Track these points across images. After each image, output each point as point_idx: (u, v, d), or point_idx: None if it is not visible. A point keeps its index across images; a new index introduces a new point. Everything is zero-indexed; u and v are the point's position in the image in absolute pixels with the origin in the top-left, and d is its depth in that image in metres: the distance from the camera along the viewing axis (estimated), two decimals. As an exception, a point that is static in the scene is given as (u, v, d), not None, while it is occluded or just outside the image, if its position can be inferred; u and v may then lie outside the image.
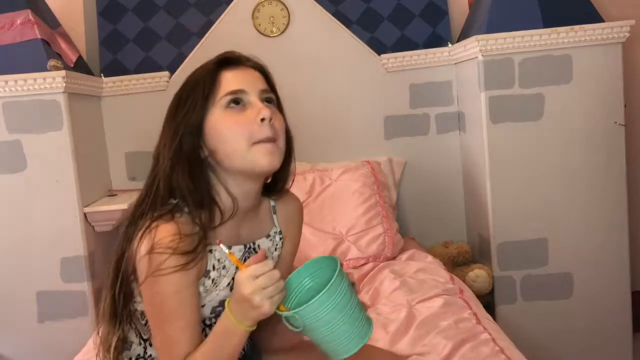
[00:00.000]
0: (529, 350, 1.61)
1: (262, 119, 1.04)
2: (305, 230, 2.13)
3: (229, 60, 1.11)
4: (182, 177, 1.05)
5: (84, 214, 2.10)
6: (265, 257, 0.99)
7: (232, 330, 0.99)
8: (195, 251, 1.03)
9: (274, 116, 1.07)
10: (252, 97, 1.06)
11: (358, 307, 1.00)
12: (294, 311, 0.96)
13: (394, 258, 2.18)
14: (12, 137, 2.02)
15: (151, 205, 1.07)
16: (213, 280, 1.09)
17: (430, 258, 2.12)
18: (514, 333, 1.75)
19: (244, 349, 1.20)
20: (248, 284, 0.94)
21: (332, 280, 0.96)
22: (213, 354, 1.01)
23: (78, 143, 2.09)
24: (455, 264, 2.30)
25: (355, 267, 2.11)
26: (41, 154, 2.04)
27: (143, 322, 1.13)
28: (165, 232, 1.01)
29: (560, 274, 2.21)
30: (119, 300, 1.10)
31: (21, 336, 2.10)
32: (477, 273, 2.17)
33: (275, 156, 1.06)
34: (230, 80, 1.07)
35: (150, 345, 1.15)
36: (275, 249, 1.22)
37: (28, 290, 2.08)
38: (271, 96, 1.12)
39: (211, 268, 1.09)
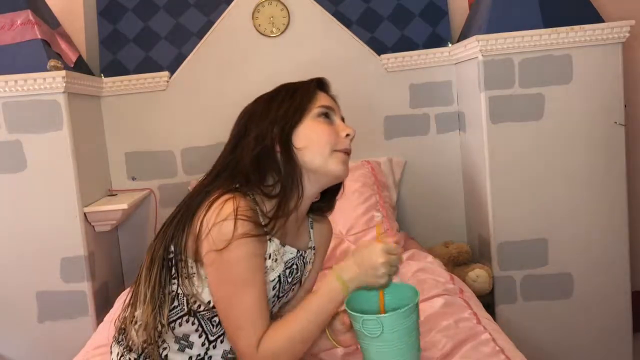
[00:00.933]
0: (529, 350, 1.61)
1: (347, 135, 1.20)
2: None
3: (324, 84, 1.30)
4: (272, 163, 1.15)
5: (84, 214, 2.10)
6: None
7: (336, 294, 1.06)
8: (267, 226, 1.10)
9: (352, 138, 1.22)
10: (337, 117, 1.23)
11: (419, 338, 1.08)
12: (387, 315, 1.02)
13: (394, 258, 2.17)
14: (12, 137, 2.02)
15: (222, 184, 1.13)
16: (266, 268, 1.13)
17: (430, 258, 2.11)
18: (514, 333, 1.75)
19: None
20: (382, 254, 1.05)
21: (417, 297, 1.06)
22: (309, 320, 1.06)
23: (78, 143, 2.09)
24: (456, 264, 2.30)
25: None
26: (41, 154, 2.04)
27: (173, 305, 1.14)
28: (242, 203, 1.07)
29: (560, 274, 2.21)
30: (163, 277, 1.12)
31: (21, 336, 2.10)
32: (477, 273, 2.17)
33: (348, 167, 1.21)
34: (324, 98, 1.24)
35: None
36: (309, 262, 1.29)
37: (28, 290, 2.08)
38: (344, 118, 1.27)
39: (267, 256, 1.13)
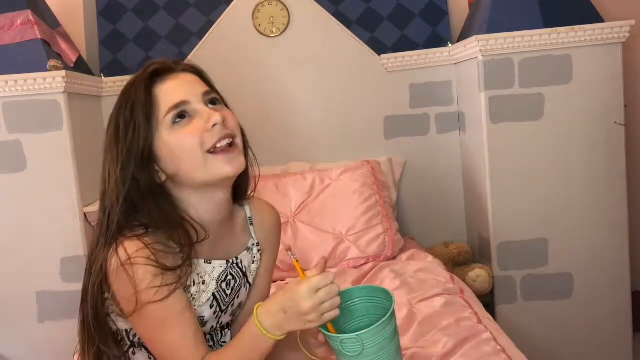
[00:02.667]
0: (529, 350, 1.61)
1: (214, 125, 0.98)
2: (306, 230, 2.14)
3: (159, 72, 1.03)
4: (146, 207, 0.99)
5: (84, 214, 2.10)
6: (325, 267, 0.97)
7: (261, 339, 0.96)
8: (180, 267, 0.99)
9: (225, 115, 1.01)
10: (197, 105, 1.00)
11: (399, 341, 1.02)
12: (365, 331, 0.94)
13: (394, 258, 2.18)
14: (12, 137, 2.02)
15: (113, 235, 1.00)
16: (192, 295, 1.06)
17: (430, 258, 2.12)
18: (514, 333, 1.75)
19: None
20: (309, 297, 0.91)
21: (392, 303, 0.98)
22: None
23: (78, 143, 2.09)
24: (456, 264, 2.30)
25: (355, 267, 2.11)
26: (41, 154, 2.03)
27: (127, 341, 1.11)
28: (133, 246, 0.96)
29: (560, 274, 2.21)
30: (94, 324, 1.07)
31: (21, 336, 2.10)
32: (477, 273, 2.17)
33: (237, 160, 1.01)
34: (167, 93, 1.00)
35: None
36: (253, 262, 1.19)
37: (28, 290, 2.08)
38: (215, 96, 1.06)
39: (191, 283, 1.05)
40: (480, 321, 1.57)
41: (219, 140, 0.99)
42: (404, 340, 1.51)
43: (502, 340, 1.45)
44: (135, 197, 0.99)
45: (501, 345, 1.41)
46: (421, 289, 1.82)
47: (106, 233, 1.01)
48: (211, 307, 1.09)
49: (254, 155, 1.12)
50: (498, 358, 1.35)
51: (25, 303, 2.08)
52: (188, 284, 1.04)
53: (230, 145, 1.01)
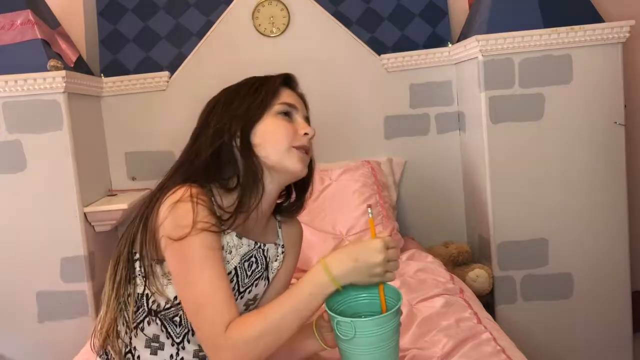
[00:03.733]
0: (529, 350, 1.61)
1: (306, 133, 1.18)
2: (306, 230, 2.12)
3: (290, 80, 1.26)
4: (231, 157, 1.14)
5: (84, 214, 2.10)
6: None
7: (321, 289, 0.98)
8: (225, 221, 1.08)
9: (312, 137, 1.21)
10: (299, 116, 1.21)
11: (398, 345, 1.03)
12: (361, 319, 0.98)
13: (393, 258, 2.18)
14: (12, 137, 2.02)
15: (180, 178, 1.12)
16: None
17: (430, 258, 2.12)
18: (514, 333, 1.75)
19: None
20: (382, 250, 0.99)
21: (399, 304, 1.01)
22: (288, 312, 0.98)
23: (78, 143, 2.09)
24: (456, 264, 2.30)
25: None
26: (41, 154, 2.04)
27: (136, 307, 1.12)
28: (195, 191, 1.05)
29: (560, 274, 2.21)
30: (125, 278, 1.11)
31: (21, 336, 2.10)
32: (477, 273, 2.17)
33: (305, 165, 1.17)
34: (288, 95, 1.22)
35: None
36: (276, 260, 1.26)
37: (28, 290, 2.08)
38: (308, 120, 1.26)
39: (221, 247, 1.10)
40: (480, 321, 1.57)
41: (303, 147, 1.17)
42: (404, 340, 1.51)
43: (502, 341, 1.45)
44: (227, 147, 1.14)
45: (501, 346, 1.41)
46: (421, 289, 1.82)
47: (177, 173, 1.14)
48: (231, 281, 1.13)
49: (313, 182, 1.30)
50: (498, 358, 1.35)
51: (25, 303, 2.09)
52: (222, 243, 1.10)
53: (307, 153, 1.19)
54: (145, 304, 1.11)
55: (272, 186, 1.18)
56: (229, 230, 1.12)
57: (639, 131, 2.54)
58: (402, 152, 2.50)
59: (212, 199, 1.10)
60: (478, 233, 2.37)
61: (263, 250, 1.21)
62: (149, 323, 1.12)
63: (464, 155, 2.47)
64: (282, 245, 1.28)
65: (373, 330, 0.97)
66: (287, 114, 1.19)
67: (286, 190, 1.27)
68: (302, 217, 2.14)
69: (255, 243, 1.19)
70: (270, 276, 1.25)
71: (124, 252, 1.12)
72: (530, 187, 2.17)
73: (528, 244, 2.19)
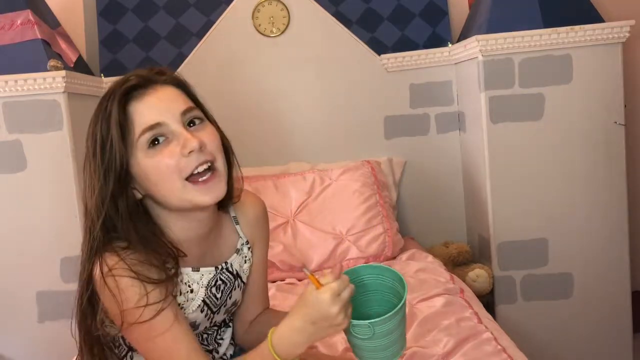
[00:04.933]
0: (529, 350, 1.61)
1: (190, 152, 0.94)
2: (306, 230, 2.14)
3: (136, 87, 0.97)
4: (124, 227, 0.97)
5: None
6: (339, 273, 0.93)
7: None
8: (164, 282, 0.97)
9: (204, 137, 0.97)
10: (173, 126, 0.95)
11: (399, 334, 1.02)
12: (381, 318, 0.94)
13: (394, 258, 2.18)
14: (12, 137, 2.02)
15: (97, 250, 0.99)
16: (181, 305, 1.04)
17: (430, 258, 2.12)
18: (514, 333, 1.75)
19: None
20: (335, 301, 0.89)
21: (405, 291, 0.98)
22: None
23: (78, 143, 2.09)
24: (455, 264, 2.30)
25: (355, 267, 2.10)
26: (41, 154, 2.04)
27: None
28: (114, 258, 0.95)
29: (560, 274, 2.21)
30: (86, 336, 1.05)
31: (21, 336, 2.10)
32: (477, 273, 2.17)
33: (216, 188, 0.97)
34: (142, 113, 0.94)
35: None
36: (245, 261, 1.18)
37: (28, 290, 2.08)
38: (195, 114, 1.00)
39: (177, 293, 1.03)
40: (480, 321, 1.57)
41: (197, 167, 0.95)
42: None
43: (503, 340, 1.45)
44: (114, 216, 0.96)
45: (501, 345, 1.41)
46: (421, 289, 1.82)
47: (89, 248, 1.00)
48: (202, 311, 1.09)
49: (238, 163, 1.09)
50: (498, 358, 1.35)
51: (25, 303, 2.08)
52: (174, 294, 1.01)
53: (210, 169, 0.97)
54: (123, 343, 1.09)
55: (196, 217, 1.02)
56: (181, 270, 1.02)
57: (639, 131, 2.54)
58: (402, 152, 2.50)
59: (139, 257, 0.97)
60: (478, 233, 2.37)
61: (226, 269, 1.13)
62: (132, 357, 1.10)
63: (464, 155, 2.47)
64: (246, 241, 1.17)
65: (388, 324, 0.97)
66: (156, 142, 0.94)
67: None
68: (302, 216, 2.17)
69: (216, 268, 1.10)
70: (245, 279, 1.19)
71: (80, 308, 1.06)
72: (530, 187, 2.17)
73: (528, 244, 2.19)
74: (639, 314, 2.39)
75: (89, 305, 1.01)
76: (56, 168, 2.04)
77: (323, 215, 2.18)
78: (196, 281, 1.06)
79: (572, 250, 2.19)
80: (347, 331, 0.99)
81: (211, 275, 1.08)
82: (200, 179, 0.95)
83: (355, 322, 0.96)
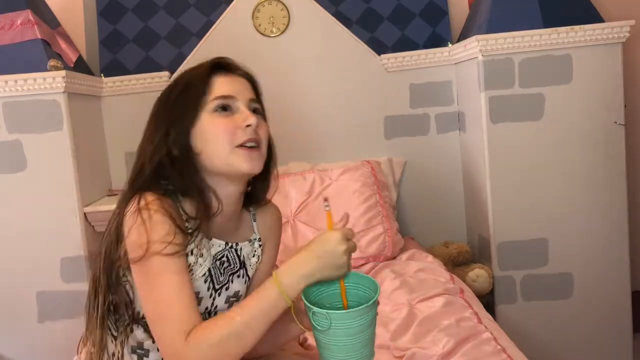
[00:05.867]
0: (529, 350, 1.61)
1: (248, 125, 1.08)
2: (306, 230, 2.14)
3: (221, 66, 1.14)
4: (175, 171, 1.08)
5: (84, 214, 2.10)
6: (347, 223, 1.03)
7: (273, 303, 0.97)
8: (190, 233, 1.05)
9: (259, 124, 1.11)
10: (240, 105, 1.11)
11: (374, 336, 1.02)
12: (336, 312, 0.97)
13: (394, 258, 2.18)
14: (12, 137, 2.02)
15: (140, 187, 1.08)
16: (190, 265, 1.08)
17: (430, 258, 2.12)
18: (514, 333, 1.75)
19: None
20: (343, 242, 0.98)
21: (376, 296, 0.99)
22: (247, 322, 0.96)
23: (78, 143, 2.09)
24: (455, 264, 2.30)
25: (355, 267, 2.10)
26: (41, 154, 2.04)
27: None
28: (153, 197, 1.03)
29: (560, 274, 2.21)
30: (106, 288, 1.09)
31: (21, 336, 2.10)
32: (477, 273, 2.17)
33: (256, 162, 1.09)
34: (221, 85, 1.11)
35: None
36: (254, 255, 1.23)
37: (28, 290, 2.08)
38: (258, 106, 1.16)
39: (189, 252, 1.08)
40: (480, 321, 1.57)
41: (247, 141, 1.08)
42: (405, 340, 1.51)
43: (503, 340, 1.45)
44: (167, 162, 1.08)
45: (501, 345, 1.41)
46: (421, 289, 1.82)
47: (131, 187, 1.09)
48: (205, 281, 1.12)
49: (277, 172, 1.21)
50: (498, 358, 1.35)
51: (25, 303, 2.09)
52: (190, 249, 1.08)
53: (255, 147, 1.09)
54: (125, 312, 1.10)
55: (229, 189, 1.12)
56: (196, 233, 1.09)
57: (639, 131, 2.54)
58: (402, 152, 2.50)
59: (177, 203, 1.07)
60: (478, 233, 2.37)
61: (236, 250, 1.19)
62: (132, 330, 1.11)
63: (464, 155, 2.47)
64: (259, 238, 1.24)
65: (348, 323, 0.97)
66: (224, 108, 1.09)
67: (253, 180, 1.19)
68: (302, 216, 2.16)
69: (226, 244, 1.17)
70: (250, 273, 1.23)
71: (100, 266, 1.11)
72: (530, 187, 2.17)
73: (528, 244, 2.19)
74: (639, 314, 2.39)
75: (115, 240, 1.08)
76: (56, 168, 2.04)
77: (323, 216, 2.18)
78: (207, 248, 1.12)
79: (572, 250, 2.20)
80: (311, 323, 1.00)
81: (220, 249, 1.15)
82: (246, 148, 1.08)
83: (315, 309, 0.97)
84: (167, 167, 1.08)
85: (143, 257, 0.99)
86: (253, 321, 0.97)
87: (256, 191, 1.20)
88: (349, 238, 1.00)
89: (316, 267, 0.98)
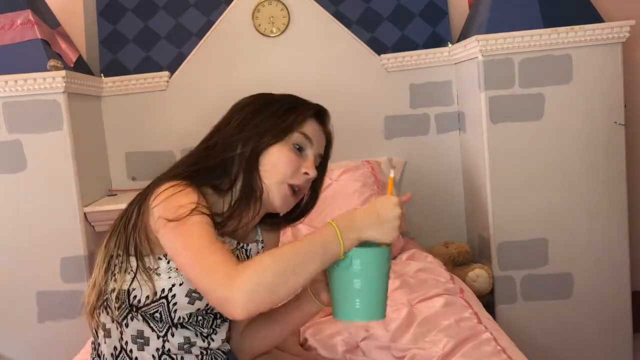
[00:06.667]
0: (529, 350, 1.61)
1: (306, 173, 1.16)
2: (306, 230, 2.13)
3: (322, 115, 1.24)
4: (236, 169, 1.15)
5: (84, 214, 2.10)
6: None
7: (331, 243, 1.00)
8: (217, 224, 1.07)
9: (315, 177, 1.19)
10: (311, 154, 1.19)
11: (383, 289, 1.03)
12: (360, 249, 1.00)
13: (394, 258, 2.18)
14: (12, 137, 2.02)
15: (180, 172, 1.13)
16: None
17: (430, 258, 2.12)
18: (514, 333, 1.75)
19: None
20: (397, 208, 1.02)
21: (379, 247, 1.02)
22: (299, 260, 0.96)
23: (78, 143, 2.09)
24: (456, 264, 2.30)
25: (355, 267, 2.10)
26: (41, 154, 2.04)
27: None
28: (186, 182, 1.08)
29: (560, 274, 2.21)
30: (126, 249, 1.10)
31: (21, 336, 2.10)
32: (477, 273, 2.17)
33: (289, 205, 1.17)
34: (311, 127, 1.19)
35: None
36: (257, 253, 1.26)
37: (28, 290, 2.08)
38: (321, 162, 1.24)
39: None
40: (480, 321, 1.57)
41: (297, 185, 1.16)
42: (405, 341, 1.51)
43: (503, 341, 1.45)
44: (230, 160, 1.15)
45: (501, 346, 1.41)
46: (421, 289, 1.82)
47: (181, 171, 1.15)
48: None
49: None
50: (498, 358, 1.35)
51: (25, 303, 2.09)
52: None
53: (297, 194, 1.18)
54: (127, 300, 1.11)
55: (258, 211, 1.17)
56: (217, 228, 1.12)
57: (639, 131, 2.54)
58: (402, 152, 2.50)
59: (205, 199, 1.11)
60: (478, 233, 2.37)
61: (246, 250, 1.22)
62: (131, 319, 1.12)
63: (464, 155, 2.47)
64: (262, 240, 1.28)
65: (370, 260, 1.00)
66: (300, 148, 1.18)
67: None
68: (302, 217, 2.16)
69: (238, 243, 1.20)
70: None
71: (114, 240, 1.13)
72: (530, 187, 2.17)
73: (528, 244, 2.19)
74: (639, 314, 2.39)
75: (137, 214, 1.10)
76: (56, 168, 2.04)
77: (323, 215, 2.17)
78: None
79: (572, 250, 2.20)
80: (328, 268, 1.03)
81: (232, 247, 1.18)
82: (293, 188, 1.16)
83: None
84: (235, 160, 1.14)
85: (178, 217, 1.01)
86: (306, 258, 0.97)
87: (280, 218, 1.26)
88: (402, 206, 1.04)
89: (371, 224, 1.01)
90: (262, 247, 1.28)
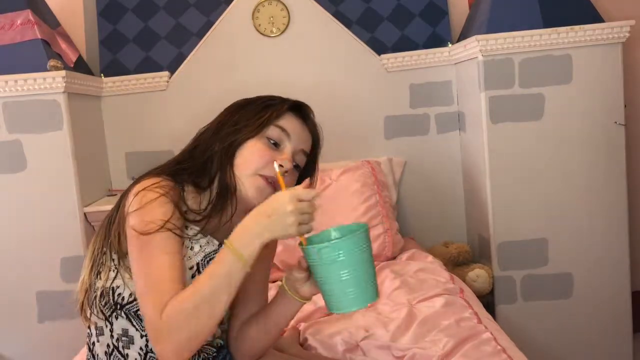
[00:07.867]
0: (529, 350, 1.61)
1: (280, 165, 1.11)
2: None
3: (300, 109, 1.21)
4: (216, 168, 1.15)
5: (84, 214, 2.10)
6: (310, 186, 1.06)
7: (233, 266, 0.99)
8: (188, 218, 1.09)
9: (290, 172, 1.16)
10: (289, 145, 1.17)
11: (371, 271, 1.04)
12: (321, 245, 1.01)
13: (394, 258, 2.18)
14: (12, 137, 2.02)
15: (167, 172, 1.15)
16: (185, 249, 1.11)
17: (430, 258, 2.12)
18: (514, 333, 1.75)
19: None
20: (291, 202, 0.99)
21: (358, 231, 1.02)
22: (212, 286, 0.98)
23: (78, 143, 2.09)
24: (456, 264, 2.30)
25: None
26: (41, 154, 2.04)
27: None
28: (165, 183, 1.09)
29: (560, 274, 2.21)
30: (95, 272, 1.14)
31: (21, 336, 2.10)
32: (477, 273, 2.17)
33: (263, 196, 1.11)
34: (289, 123, 1.18)
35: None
36: None
37: (28, 290, 2.08)
38: (302, 161, 1.22)
39: (187, 237, 1.11)
40: (480, 321, 1.57)
41: (271, 177, 1.13)
42: (405, 340, 1.51)
43: (503, 341, 1.45)
44: (217, 156, 1.15)
45: (501, 346, 1.41)
46: (421, 289, 1.82)
47: (165, 168, 1.17)
48: (193, 276, 1.12)
49: None
50: (498, 358, 1.35)
51: (25, 303, 2.09)
52: (187, 234, 1.12)
53: (271, 184, 1.14)
54: (111, 298, 1.12)
55: (240, 207, 1.16)
56: (193, 227, 1.13)
57: (639, 131, 2.54)
58: (402, 152, 2.50)
59: (182, 194, 1.13)
60: (478, 233, 2.37)
61: None
62: (116, 317, 1.13)
63: (464, 155, 2.47)
64: None
65: (339, 253, 1.00)
66: (276, 143, 1.16)
67: None
68: (302, 217, 2.16)
69: (220, 245, 1.17)
70: None
71: (98, 242, 1.17)
72: (530, 187, 2.17)
73: (528, 244, 2.19)
74: (639, 314, 2.39)
75: (116, 213, 1.13)
76: (56, 168, 2.04)
77: (323, 216, 2.17)
78: (200, 244, 1.14)
79: (572, 250, 2.20)
80: (314, 267, 1.03)
81: (213, 248, 1.16)
82: (267, 179, 1.14)
83: (320, 245, 1.01)
84: (213, 162, 1.15)
85: (146, 232, 1.03)
86: (217, 287, 0.99)
87: None
88: (300, 199, 1.00)
89: (265, 226, 1.00)
90: None
